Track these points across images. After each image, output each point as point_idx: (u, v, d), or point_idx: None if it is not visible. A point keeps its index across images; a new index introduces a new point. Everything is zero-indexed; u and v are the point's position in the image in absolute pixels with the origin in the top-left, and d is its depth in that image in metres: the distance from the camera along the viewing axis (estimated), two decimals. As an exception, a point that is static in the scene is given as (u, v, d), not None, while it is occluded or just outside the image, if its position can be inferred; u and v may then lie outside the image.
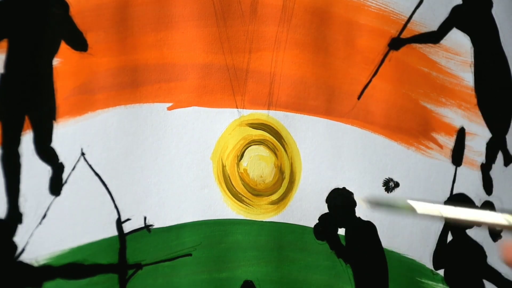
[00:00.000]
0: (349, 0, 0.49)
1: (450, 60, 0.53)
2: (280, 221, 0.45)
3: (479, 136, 0.54)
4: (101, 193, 0.40)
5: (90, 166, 0.40)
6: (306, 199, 0.46)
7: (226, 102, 0.45)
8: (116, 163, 0.40)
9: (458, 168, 0.52)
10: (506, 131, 0.56)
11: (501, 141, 0.55)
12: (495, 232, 0.49)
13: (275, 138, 0.46)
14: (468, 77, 0.54)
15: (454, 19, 0.53)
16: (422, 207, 0.38)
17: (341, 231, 0.47)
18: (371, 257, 0.48)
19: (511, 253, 0.27)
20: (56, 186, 0.38)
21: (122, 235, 0.40)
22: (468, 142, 0.53)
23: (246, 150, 0.45)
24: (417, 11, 0.52)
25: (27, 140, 0.38)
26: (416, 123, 0.51)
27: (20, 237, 0.37)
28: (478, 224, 0.32)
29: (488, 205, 0.52)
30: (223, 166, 0.44)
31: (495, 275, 0.51)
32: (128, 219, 0.41)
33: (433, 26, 0.53)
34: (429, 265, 0.50)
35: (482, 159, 0.53)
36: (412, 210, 0.39)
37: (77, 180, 0.39)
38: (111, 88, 0.41)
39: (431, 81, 0.52)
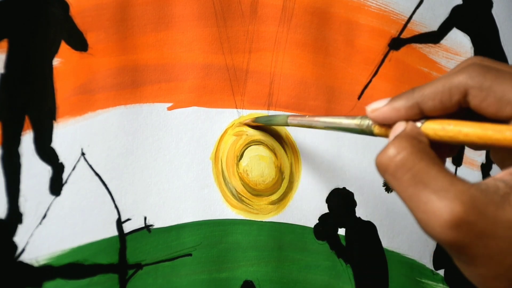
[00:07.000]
0: (349, 0, 0.49)
1: (450, 60, 0.53)
2: (280, 221, 0.45)
3: (479, 136, 0.54)
4: (101, 193, 0.40)
5: (90, 166, 0.40)
6: (306, 199, 0.46)
7: (226, 102, 0.45)
8: (116, 163, 0.40)
9: (458, 168, 0.52)
10: (506, 131, 0.56)
11: (501, 141, 0.55)
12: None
13: (274, 138, 0.46)
14: (468, 77, 0.54)
15: (454, 19, 0.53)
16: (294, 120, 0.39)
17: (341, 231, 0.47)
18: (371, 257, 0.48)
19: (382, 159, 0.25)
20: (56, 186, 0.38)
21: (122, 235, 0.40)
22: (468, 142, 0.53)
23: (246, 150, 0.45)
24: (417, 11, 0.52)
25: (27, 140, 0.38)
26: (416, 123, 0.51)
27: (20, 237, 0.37)
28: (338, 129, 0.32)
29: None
30: (223, 166, 0.44)
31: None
32: (128, 219, 0.41)
33: (433, 26, 0.53)
34: (429, 265, 0.50)
35: (482, 159, 0.53)
36: (285, 122, 0.40)
37: (77, 180, 0.39)
38: (111, 88, 0.41)
39: (431, 81, 0.52)
